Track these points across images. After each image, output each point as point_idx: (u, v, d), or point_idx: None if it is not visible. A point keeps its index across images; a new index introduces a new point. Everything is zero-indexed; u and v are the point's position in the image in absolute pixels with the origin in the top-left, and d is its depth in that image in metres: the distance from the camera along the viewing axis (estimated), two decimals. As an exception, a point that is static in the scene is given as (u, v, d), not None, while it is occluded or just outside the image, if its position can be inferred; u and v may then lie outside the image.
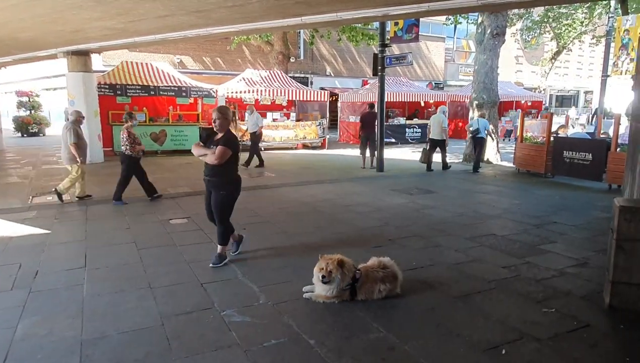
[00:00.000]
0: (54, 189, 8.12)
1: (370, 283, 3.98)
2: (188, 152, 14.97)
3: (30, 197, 8.27)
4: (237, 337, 3.39)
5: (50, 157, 14.03)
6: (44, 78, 23.68)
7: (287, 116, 17.78)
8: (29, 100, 22.32)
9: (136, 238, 5.89)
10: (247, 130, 13.24)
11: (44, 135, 22.59)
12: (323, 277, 3.85)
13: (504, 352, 3.21)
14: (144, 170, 8.14)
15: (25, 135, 21.90)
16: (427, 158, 12.09)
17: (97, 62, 16.94)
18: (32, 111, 22.49)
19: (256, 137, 12.55)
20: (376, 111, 12.29)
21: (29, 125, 22.02)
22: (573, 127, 15.51)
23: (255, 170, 12.00)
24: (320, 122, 17.44)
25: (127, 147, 7.68)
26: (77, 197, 8.19)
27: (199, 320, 3.67)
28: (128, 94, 14.42)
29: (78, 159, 7.82)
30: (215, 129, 4.68)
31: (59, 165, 12.29)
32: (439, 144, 11.93)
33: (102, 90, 13.75)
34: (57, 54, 12.46)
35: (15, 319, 3.67)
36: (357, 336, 3.42)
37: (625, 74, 14.83)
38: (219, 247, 4.95)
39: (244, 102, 17.24)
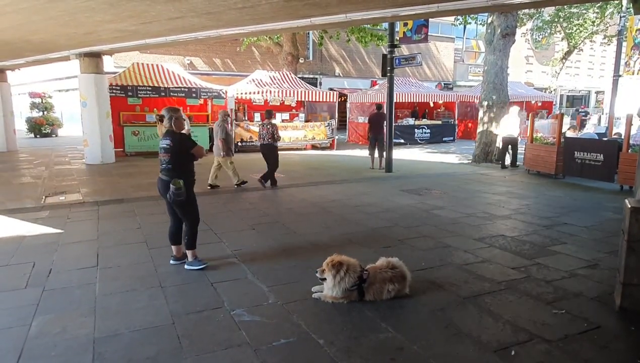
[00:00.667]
0: (236, 186, 9.39)
1: (378, 283, 3.99)
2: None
3: (43, 197, 8.39)
4: (247, 336, 3.42)
5: (62, 158, 14.21)
6: (56, 79, 23.99)
7: (294, 117, 17.81)
8: (42, 102, 22.61)
9: (147, 238, 5.95)
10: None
11: (56, 136, 22.87)
12: (315, 271, 4.06)
13: (513, 352, 3.20)
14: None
15: (38, 136, 22.19)
16: (501, 156, 12.68)
17: (109, 63, 17.15)
18: (45, 112, 22.79)
19: None
20: (383, 112, 12.32)
21: (41, 126, 22.31)
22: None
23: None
24: (329, 123, 17.46)
25: (274, 138, 9.36)
26: (209, 185, 9.23)
27: (210, 319, 3.71)
28: (139, 95, 14.57)
29: (221, 152, 9.05)
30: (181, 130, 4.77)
31: (71, 166, 12.46)
32: (511, 143, 12.40)
33: (114, 91, 13.91)
34: (69, 56, 12.61)
35: (30, 317, 3.74)
36: (366, 336, 3.43)
37: (637, 74, 14.66)
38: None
39: (253, 103, 17.33)
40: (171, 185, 4.55)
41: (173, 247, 4.99)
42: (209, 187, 9.17)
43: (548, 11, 26.50)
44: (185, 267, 4.87)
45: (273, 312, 3.83)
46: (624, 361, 3.19)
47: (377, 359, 3.13)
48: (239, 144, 15.77)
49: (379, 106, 12.88)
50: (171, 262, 5.00)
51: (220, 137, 8.99)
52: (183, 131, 4.79)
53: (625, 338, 3.47)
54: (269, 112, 9.83)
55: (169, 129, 4.68)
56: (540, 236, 6.06)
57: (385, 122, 12.04)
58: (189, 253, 4.90)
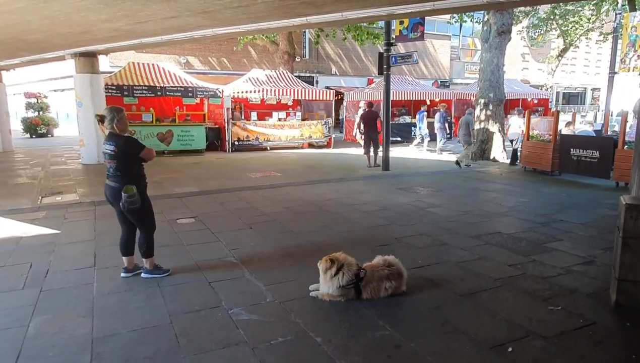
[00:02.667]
0: (455, 161, 12.23)
1: (375, 281, 4.01)
2: (195, 152, 15.09)
3: (40, 198, 8.36)
4: (244, 335, 3.43)
5: (58, 158, 14.16)
6: (51, 79, 23.89)
7: (287, 116, 17.80)
8: (37, 102, 22.53)
9: (144, 238, 5.93)
10: None
11: (52, 136, 22.79)
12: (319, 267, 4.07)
13: (510, 349, 3.22)
14: None
15: (33, 136, 22.11)
16: None
17: (104, 63, 17.10)
18: (41, 112, 22.71)
19: None
20: (375, 110, 12.33)
21: (37, 126, 22.23)
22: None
23: None
24: (325, 121, 17.47)
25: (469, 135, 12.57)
26: (465, 165, 12.10)
27: (207, 318, 3.71)
28: (135, 95, 14.51)
29: (473, 140, 12.73)
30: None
31: (67, 166, 12.42)
32: None
33: (109, 91, 13.84)
34: (64, 56, 12.56)
35: (27, 317, 3.73)
36: (364, 334, 3.44)
37: (633, 71, 14.73)
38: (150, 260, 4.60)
39: (250, 102, 17.31)
40: (123, 193, 4.19)
41: (124, 258, 4.59)
42: (466, 166, 12.07)
43: (544, 8, 26.55)
44: (143, 275, 4.57)
45: (271, 311, 3.84)
46: (619, 357, 3.22)
47: (375, 357, 3.15)
48: (236, 143, 15.75)
49: (371, 104, 12.81)
50: (122, 274, 4.58)
51: (472, 127, 12.11)
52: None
53: (620, 335, 3.50)
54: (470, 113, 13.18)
55: (111, 131, 4.28)
56: (536, 233, 6.09)
57: (378, 118, 12.03)
58: (146, 262, 4.58)
